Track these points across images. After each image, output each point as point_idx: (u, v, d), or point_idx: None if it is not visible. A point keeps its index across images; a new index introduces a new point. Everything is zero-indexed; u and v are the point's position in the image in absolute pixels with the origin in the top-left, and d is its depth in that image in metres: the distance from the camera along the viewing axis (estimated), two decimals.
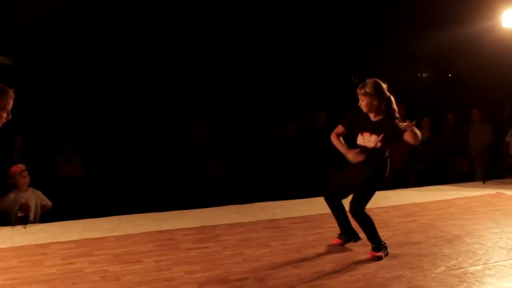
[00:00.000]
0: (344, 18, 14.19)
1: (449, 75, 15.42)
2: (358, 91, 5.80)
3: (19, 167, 7.69)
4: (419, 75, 16.26)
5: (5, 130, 4.93)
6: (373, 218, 6.89)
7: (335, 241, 6.14)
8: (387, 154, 5.88)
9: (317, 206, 7.81)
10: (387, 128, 5.69)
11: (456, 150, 11.43)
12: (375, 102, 5.74)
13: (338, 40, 14.21)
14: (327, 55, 14.34)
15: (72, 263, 5.50)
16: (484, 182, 9.81)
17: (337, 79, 15.20)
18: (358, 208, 5.73)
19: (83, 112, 12.22)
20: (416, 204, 8.10)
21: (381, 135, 5.70)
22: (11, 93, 4.67)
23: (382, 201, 8.19)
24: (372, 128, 5.76)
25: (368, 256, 5.65)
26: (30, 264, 5.48)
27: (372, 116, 5.80)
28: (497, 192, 8.91)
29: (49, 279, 5.05)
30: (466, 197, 8.60)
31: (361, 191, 5.75)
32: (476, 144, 11.09)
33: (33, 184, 7.73)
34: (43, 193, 7.82)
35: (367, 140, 5.78)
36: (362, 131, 5.83)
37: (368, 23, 14.19)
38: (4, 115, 4.68)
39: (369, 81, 5.79)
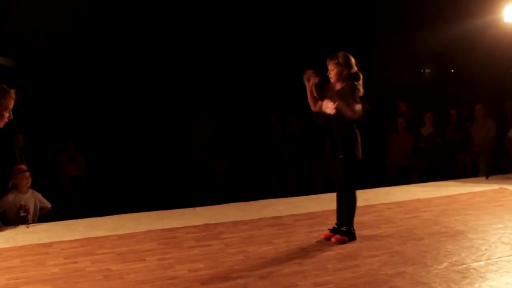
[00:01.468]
0: (345, 14, 14.15)
1: (452, 70, 15.38)
2: (329, 60, 6.05)
3: (20, 168, 7.65)
4: (422, 71, 16.21)
5: (7, 129, 4.96)
6: (376, 214, 7.05)
7: (326, 235, 6.23)
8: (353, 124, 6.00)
9: (321, 202, 7.84)
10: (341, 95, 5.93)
11: (459, 146, 11.41)
12: (345, 73, 5.99)
13: (339, 36, 14.17)
14: (328, 51, 14.30)
15: (75, 262, 5.51)
16: (487, 178, 9.79)
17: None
18: (345, 182, 6.02)
19: (85, 111, 12.21)
20: (419, 200, 8.08)
21: (336, 102, 5.92)
22: (12, 93, 4.74)
23: (385, 197, 8.20)
24: (333, 96, 5.99)
25: (332, 239, 5.97)
26: (33, 263, 5.49)
27: (338, 85, 6.02)
28: (500, 188, 8.89)
29: (52, 279, 5.05)
30: (469, 193, 8.58)
31: (339, 164, 6.01)
32: (480, 140, 11.05)
33: (36, 183, 7.73)
34: (46, 192, 7.81)
35: (325, 106, 6.05)
36: (325, 98, 6.08)
37: (369, 18, 14.14)
38: (7, 114, 4.76)
39: (340, 53, 6.05)
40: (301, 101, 12.83)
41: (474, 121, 11.19)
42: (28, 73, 11.82)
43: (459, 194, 8.49)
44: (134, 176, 11.79)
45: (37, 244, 6.15)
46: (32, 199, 7.52)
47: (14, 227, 6.94)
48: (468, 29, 11.80)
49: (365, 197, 7.69)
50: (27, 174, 7.54)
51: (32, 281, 4.99)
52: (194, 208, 7.87)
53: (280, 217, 7.27)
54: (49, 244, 6.14)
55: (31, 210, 7.38)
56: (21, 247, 6.06)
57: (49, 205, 7.74)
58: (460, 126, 11.44)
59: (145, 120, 12.23)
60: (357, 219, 6.23)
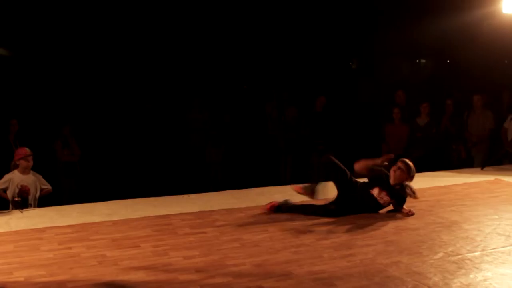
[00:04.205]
0: (343, 3, 14.11)
1: (448, 61, 15.37)
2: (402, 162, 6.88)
3: (25, 150, 7.69)
4: (418, 61, 16.20)
5: (2, 114, 4.95)
6: None
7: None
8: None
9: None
10: (398, 198, 6.81)
11: (454, 136, 11.40)
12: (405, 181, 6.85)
13: (336, 25, 14.14)
14: (326, 40, 14.28)
15: (69, 248, 5.49)
16: (482, 169, 9.80)
17: (336, 64, 15.15)
18: None
19: (81, 98, 12.18)
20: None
21: (393, 201, 6.81)
22: None
23: None
24: (390, 191, 6.75)
25: None
26: (26, 248, 5.46)
27: (391, 181, 6.80)
28: (495, 179, 8.90)
29: (46, 264, 5.03)
30: (464, 184, 8.59)
31: None
32: (477, 130, 11.02)
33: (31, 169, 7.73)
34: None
35: (380, 196, 6.74)
36: (381, 187, 6.76)
37: (367, 8, 14.11)
38: None
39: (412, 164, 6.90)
40: (297, 89, 12.90)
41: (472, 111, 11.15)
42: (24, 60, 11.79)
43: (454, 185, 8.50)
44: (129, 164, 11.75)
45: (31, 229, 6.13)
46: (33, 180, 7.62)
47: (8, 212, 6.92)
48: (465, 20, 11.76)
49: None
50: (30, 158, 7.64)
51: (26, 266, 4.96)
52: (189, 195, 7.85)
53: None
54: (43, 230, 6.12)
55: (32, 191, 7.44)
56: (15, 232, 6.04)
57: (49, 186, 7.86)
58: (455, 117, 11.43)
59: (141, 108, 12.19)
60: None
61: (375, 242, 5.68)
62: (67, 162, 10.65)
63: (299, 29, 13.92)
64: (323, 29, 14.10)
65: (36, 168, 7.87)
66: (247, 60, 14.06)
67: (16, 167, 7.61)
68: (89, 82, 12.48)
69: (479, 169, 9.88)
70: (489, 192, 8.04)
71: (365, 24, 14.12)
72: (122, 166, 11.67)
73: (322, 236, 5.90)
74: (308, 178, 7.31)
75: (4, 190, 7.44)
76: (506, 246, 5.52)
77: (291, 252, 5.38)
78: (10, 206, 7.20)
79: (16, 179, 7.48)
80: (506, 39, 11.24)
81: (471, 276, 4.76)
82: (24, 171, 7.59)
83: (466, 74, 13.41)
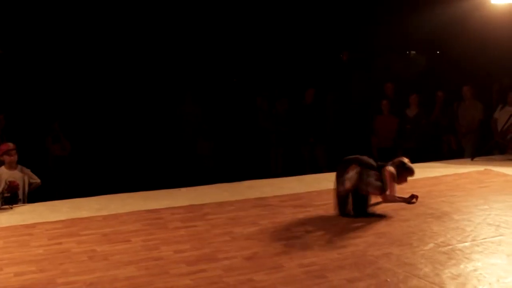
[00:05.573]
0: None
1: (437, 52, 15.38)
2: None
3: (7, 145, 7.65)
4: (408, 52, 16.21)
5: None
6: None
7: None
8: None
9: (306, 183, 7.84)
10: None
11: (444, 127, 11.43)
12: None
13: (327, 18, 14.12)
14: (316, 32, 14.25)
15: (59, 243, 5.47)
16: (472, 159, 9.82)
17: (326, 57, 15.13)
18: None
19: (71, 93, 12.12)
20: None
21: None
22: None
23: None
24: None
25: None
26: (17, 244, 5.45)
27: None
28: (485, 169, 8.92)
29: (37, 260, 5.02)
30: (454, 174, 8.60)
31: None
32: (467, 121, 11.05)
33: (19, 163, 7.68)
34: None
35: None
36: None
37: (357, 1, 14.10)
38: None
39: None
40: (286, 82, 12.89)
41: (461, 102, 11.17)
42: (12, 56, 11.74)
43: (444, 176, 8.51)
44: (120, 158, 11.72)
45: (20, 225, 6.11)
46: (21, 175, 7.55)
47: None
48: (455, 11, 11.77)
49: None
50: (13, 152, 7.55)
51: (17, 262, 4.95)
52: (179, 189, 7.84)
53: (265, 198, 7.26)
54: (33, 225, 6.10)
55: (20, 186, 7.37)
56: (5, 228, 6.01)
57: (38, 180, 7.78)
58: (446, 108, 11.45)
59: (132, 102, 12.15)
60: None
61: (366, 234, 5.69)
62: (58, 157, 10.62)
63: (290, 22, 13.89)
64: (313, 21, 14.07)
65: (26, 163, 7.83)
66: (238, 53, 14.02)
67: (2, 163, 7.56)
68: (79, 77, 12.41)
69: (469, 159, 9.91)
70: (479, 182, 8.06)
71: (356, 17, 14.10)
72: (113, 160, 11.62)
73: (312, 228, 5.90)
74: (299, 171, 7.32)
75: None
76: (496, 236, 5.54)
77: (281, 244, 5.38)
78: (0, 202, 7.16)
79: (4, 175, 7.41)
80: (495, 29, 11.26)
81: (462, 266, 4.77)
82: (10, 167, 7.52)
83: (456, 65, 13.42)
